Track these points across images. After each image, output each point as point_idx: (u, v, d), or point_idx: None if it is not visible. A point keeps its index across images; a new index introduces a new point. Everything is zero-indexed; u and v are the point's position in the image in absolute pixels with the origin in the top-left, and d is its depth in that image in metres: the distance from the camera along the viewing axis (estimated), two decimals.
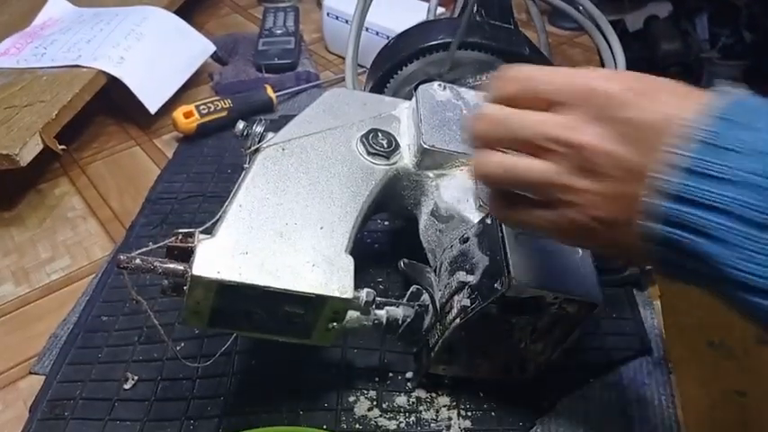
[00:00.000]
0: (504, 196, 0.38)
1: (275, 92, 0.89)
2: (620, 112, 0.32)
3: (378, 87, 0.63)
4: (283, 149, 0.49)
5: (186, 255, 0.40)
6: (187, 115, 0.82)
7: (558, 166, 0.34)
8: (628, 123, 0.32)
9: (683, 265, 0.31)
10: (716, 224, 0.29)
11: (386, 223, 0.68)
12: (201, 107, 0.83)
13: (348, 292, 0.42)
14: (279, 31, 1.03)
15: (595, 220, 0.33)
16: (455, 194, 0.50)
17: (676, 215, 0.30)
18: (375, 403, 0.50)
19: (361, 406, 0.50)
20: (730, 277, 0.29)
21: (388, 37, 0.88)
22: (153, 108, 0.85)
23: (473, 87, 0.57)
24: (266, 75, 0.95)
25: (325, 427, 0.48)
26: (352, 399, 0.51)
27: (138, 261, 0.39)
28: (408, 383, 0.52)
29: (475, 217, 0.49)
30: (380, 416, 0.49)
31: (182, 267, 0.39)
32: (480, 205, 0.49)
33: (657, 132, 0.31)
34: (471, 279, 0.45)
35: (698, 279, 0.31)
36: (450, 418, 0.49)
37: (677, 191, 0.30)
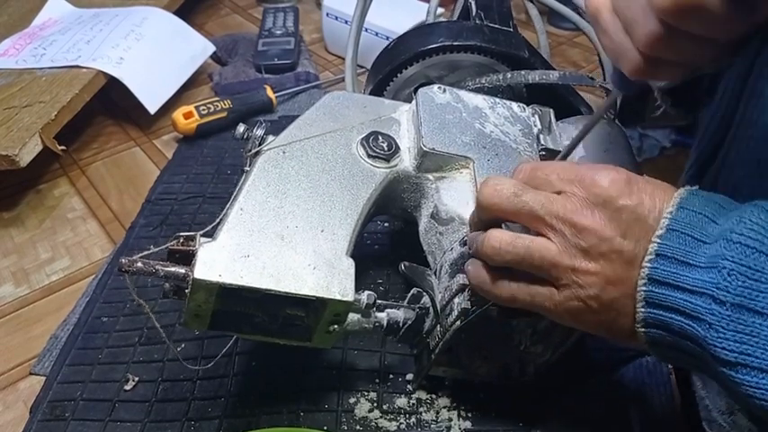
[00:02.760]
0: (500, 270, 0.41)
1: (275, 92, 0.89)
2: (613, 201, 0.36)
3: (377, 90, 0.64)
4: (284, 152, 0.49)
5: (188, 258, 0.40)
6: (187, 116, 0.82)
7: (561, 245, 0.37)
8: (620, 210, 0.36)
9: (674, 345, 0.35)
10: (693, 305, 0.32)
11: (386, 225, 0.68)
12: (201, 108, 0.83)
13: (349, 295, 0.42)
14: (278, 32, 1.03)
15: (592, 299, 0.37)
16: (455, 197, 0.51)
17: (656, 296, 0.34)
18: (376, 404, 0.50)
19: (362, 407, 0.50)
20: (714, 354, 0.32)
21: (387, 38, 0.89)
22: (152, 109, 0.85)
23: (473, 90, 0.58)
24: (266, 75, 0.96)
25: (325, 428, 0.48)
26: (352, 400, 0.51)
27: (139, 264, 0.39)
28: (409, 385, 0.52)
29: None
30: (381, 417, 0.50)
31: (183, 270, 0.39)
32: None
33: (642, 220, 0.35)
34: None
35: (691, 361, 0.35)
36: (450, 419, 0.50)
37: (653, 275, 0.34)
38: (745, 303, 0.31)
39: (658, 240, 0.34)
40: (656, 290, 0.34)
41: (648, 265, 0.34)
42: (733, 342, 0.31)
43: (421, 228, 0.53)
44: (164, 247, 0.41)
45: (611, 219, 0.36)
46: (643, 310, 0.35)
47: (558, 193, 0.38)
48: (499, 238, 0.39)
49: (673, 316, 0.34)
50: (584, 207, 0.37)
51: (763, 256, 0.31)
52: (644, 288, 0.34)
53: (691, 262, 0.33)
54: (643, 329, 0.36)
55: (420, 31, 0.63)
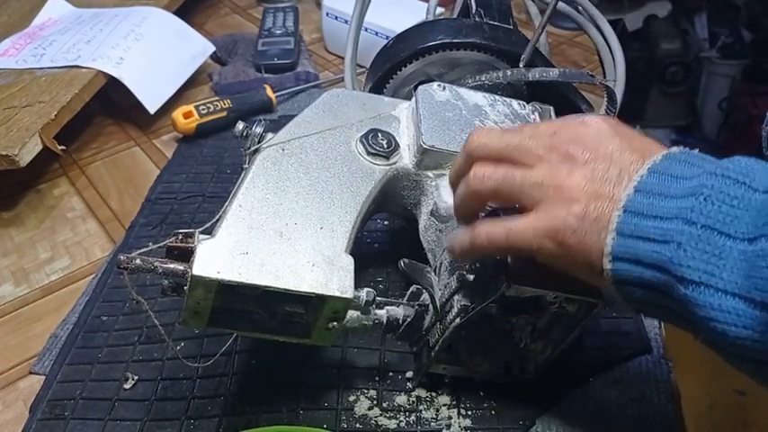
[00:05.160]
0: (488, 215, 0.42)
1: (275, 92, 0.89)
2: (600, 135, 0.38)
3: (377, 88, 0.63)
4: (283, 150, 0.49)
5: (186, 255, 0.40)
6: (186, 115, 0.82)
7: (547, 170, 0.38)
8: (610, 140, 0.37)
9: (640, 280, 0.34)
10: (664, 230, 0.33)
11: (386, 223, 0.68)
12: (201, 107, 0.83)
13: (348, 292, 0.42)
14: (278, 32, 1.03)
15: (573, 216, 0.36)
16: None
17: (627, 227, 0.34)
18: (375, 402, 0.50)
19: (362, 405, 0.50)
20: (680, 275, 0.32)
21: (387, 37, 0.89)
22: (152, 108, 0.85)
23: (472, 88, 0.57)
24: (266, 75, 0.95)
25: (325, 426, 0.48)
26: (352, 398, 0.51)
27: (138, 261, 0.39)
28: (408, 383, 0.52)
29: None
30: (381, 415, 0.50)
31: (182, 267, 0.39)
32: None
33: (628, 154, 0.36)
34: (471, 279, 0.45)
35: (656, 299, 0.34)
36: (450, 417, 0.49)
37: (628, 206, 0.34)
38: (717, 226, 0.31)
39: (638, 178, 0.35)
40: (630, 220, 0.34)
41: (625, 198, 0.34)
42: (699, 261, 0.31)
43: (421, 225, 0.53)
44: (162, 244, 0.41)
45: (599, 146, 0.37)
46: (613, 241, 0.34)
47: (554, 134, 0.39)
48: (483, 167, 0.40)
49: (642, 244, 0.34)
50: (576, 138, 0.38)
51: (744, 187, 0.31)
52: (617, 219, 0.34)
53: (669, 194, 0.34)
54: (610, 264, 0.35)
55: (419, 28, 0.63)
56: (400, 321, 0.47)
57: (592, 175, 0.36)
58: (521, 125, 0.42)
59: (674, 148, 0.36)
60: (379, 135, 0.52)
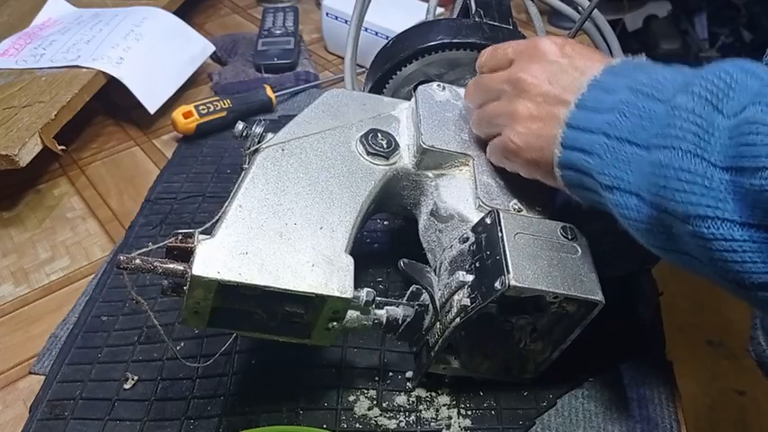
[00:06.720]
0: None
1: (275, 92, 0.89)
2: (547, 57, 0.45)
3: (377, 88, 0.63)
4: (283, 150, 0.49)
5: (186, 255, 0.40)
6: (186, 115, 0.82)
7: (505, 100, 0.46)
8: (552, 64, 0.44)
9: (581, 183, 0.41)
10: (591, 142, 0.39)
11: (386, 223, 0.68)
12: (201, 107, 0.83)
13: (348, 292, 0.42)
14: (278, 32, 1.03)
15: (517, 136, 0.45)
16: (454, 194, 0.50)
17: (569, 140, 0.40)
18: (375, 402, 0.50)
19: (362, 405, 0.50)
20: (599, 181, 0.38)
21: (387, 37, 0.89)
22: (152, 108, 0.85)
23: None
24: (265, 75, 0.95)
25: (325, 426, 0.48)
26: (352, 398, 0.51)
27: (137, 261, 0.39)
28: (408, 383, 0.52)
29: (474, 217, 0.49)
30: (380, 415, 0.50)
31: (182, 267, 0.39)
32: (480, 205, 0.49)
33: (570, 73, 0.43)
34: (471, 279, 0.45)
35: (594, 197, 0.40)
36: (450, 417, 0.49)
37: (569, 121, 0.40)
38: (628, 137, 0.36)
39: (579, 96, 0.40)
40: (571, 134, 0.40)
41: (568, 114, 0.40)
42: (611, 168, 0.37)
43: (420, 225, 0.53)
44: (162, 244, 0.41)
45: (543, 70, 0.44)
46: (559, 153, 0.41)
47: (512, 62, 0.47)
48: (476, 115, 0.51)
49: (578, 155, 0.40)
50: (525, 65, 0.45)
51: (653, 100, 0.36)
52: (561, 133, 0.41)
53: (599, 108, 0.39)
54: (560, 171, 0.42)
55: (419, 28, 0.63)
56: (400, 321, 0.47)
57: (535, 98, 0.43)
58: (493, 49, 0.50)
59: (616, 60, 0.42)
60: (379, 135, 0.52)
